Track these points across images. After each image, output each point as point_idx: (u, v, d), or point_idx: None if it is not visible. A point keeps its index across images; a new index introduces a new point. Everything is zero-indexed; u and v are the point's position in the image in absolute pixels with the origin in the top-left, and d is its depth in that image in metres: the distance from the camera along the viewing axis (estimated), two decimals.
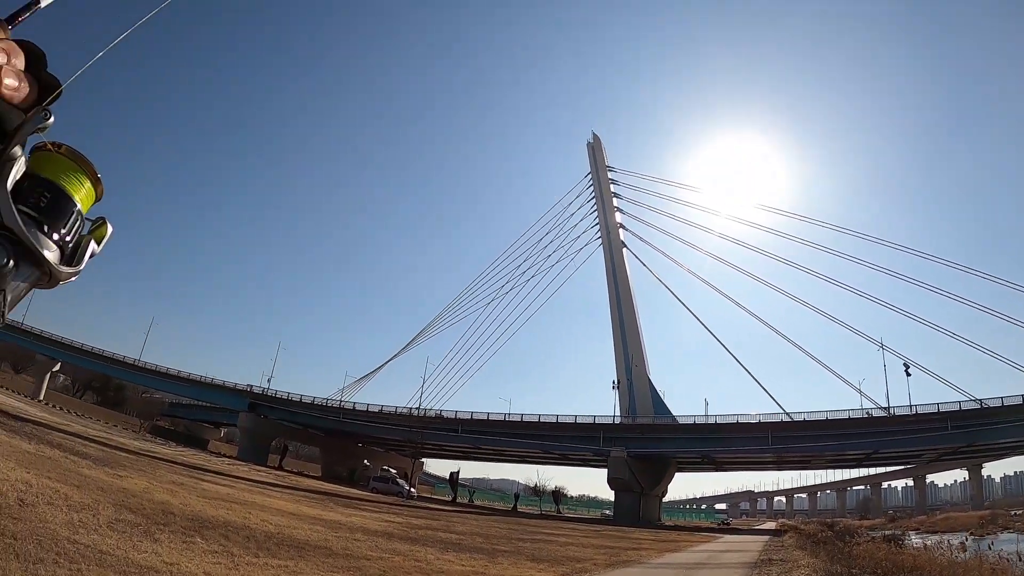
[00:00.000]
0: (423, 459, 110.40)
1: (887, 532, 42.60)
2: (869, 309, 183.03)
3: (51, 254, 1.09)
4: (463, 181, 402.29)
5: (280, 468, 73.08)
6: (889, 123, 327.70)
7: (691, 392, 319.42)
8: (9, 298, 1.04)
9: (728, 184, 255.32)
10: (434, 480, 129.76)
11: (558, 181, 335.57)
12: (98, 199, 1.19)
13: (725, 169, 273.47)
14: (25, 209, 1.06)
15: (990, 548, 21.18)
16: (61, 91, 1.11)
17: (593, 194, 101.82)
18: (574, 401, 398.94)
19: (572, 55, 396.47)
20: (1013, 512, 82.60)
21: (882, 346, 70.98)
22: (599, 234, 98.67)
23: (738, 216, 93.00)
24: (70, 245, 1.14)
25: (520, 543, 24.09)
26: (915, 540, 30.77)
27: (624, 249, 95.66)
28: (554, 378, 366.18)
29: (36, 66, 1.12)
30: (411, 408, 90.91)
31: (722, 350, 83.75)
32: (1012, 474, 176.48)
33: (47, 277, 1.11)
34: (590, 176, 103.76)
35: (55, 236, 1.10)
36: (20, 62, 1.09)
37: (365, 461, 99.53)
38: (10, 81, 1.05)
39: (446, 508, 52.69)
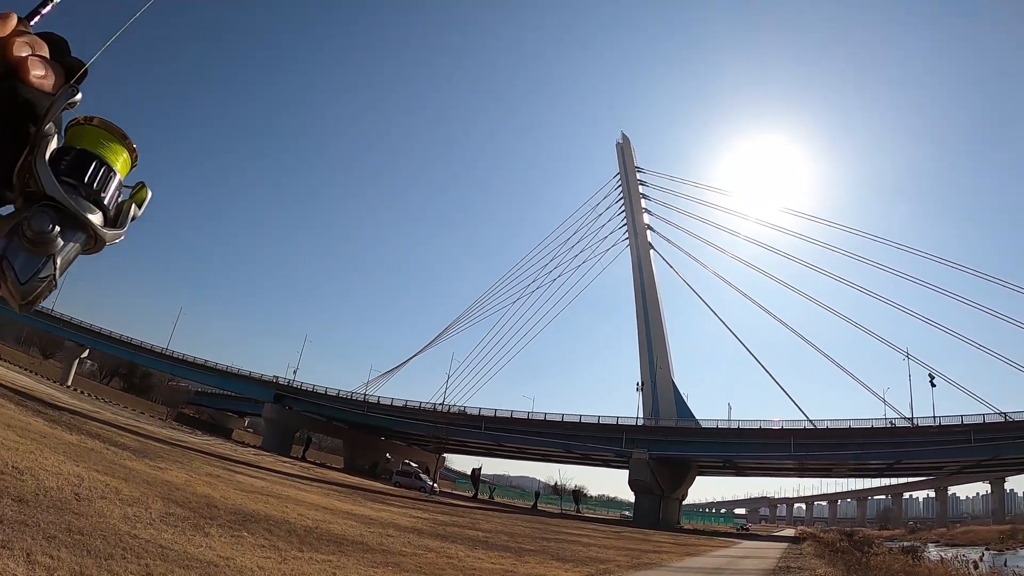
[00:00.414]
0: (445, 454, 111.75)
1: (906, 543, 42.61)
2: (896, 317, 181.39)
3: (95, 217, 1.12)
4: (492, 180, 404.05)
5: (304, 459, 74.02)
6: (919, 124, 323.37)
7: (714, 396, 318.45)
8: (59, 261, 1.08)
9: (755, 186, 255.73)
10: (454, 476, 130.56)
11: (586, 181, 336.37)
12: (134, 165, 1.24)
13: (752, 171, 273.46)
14: (66, 179, 1.10)
15: (1005, 564, 21.12)
16: (86, 70, 1.16)
17: (621, 194, 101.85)
18: (597, 402, 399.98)
19: (601, 54, 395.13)
20: None
21: (908, 355, 71.02)
22: (626, 235, 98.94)
23: (764, 220, 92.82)
24: (112, 209, 1.18)
25: (545, 542, 24.39)
26: (933, 552, 30.76)
27: (651, 250, 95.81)
28: (577, 378, 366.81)
29: (59, 53, 1.16)
30: (435, 404, 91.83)
31: (746, 354, 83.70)
32: None
33: (93, 240, 1.15)
34: (618, 176, 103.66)
35: (97, 201, 1.14)
36: (44, 51, 1.13)
37: (387, 455, 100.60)
38: (37, 71, 1.09)
39: (468, 504, 53.09)
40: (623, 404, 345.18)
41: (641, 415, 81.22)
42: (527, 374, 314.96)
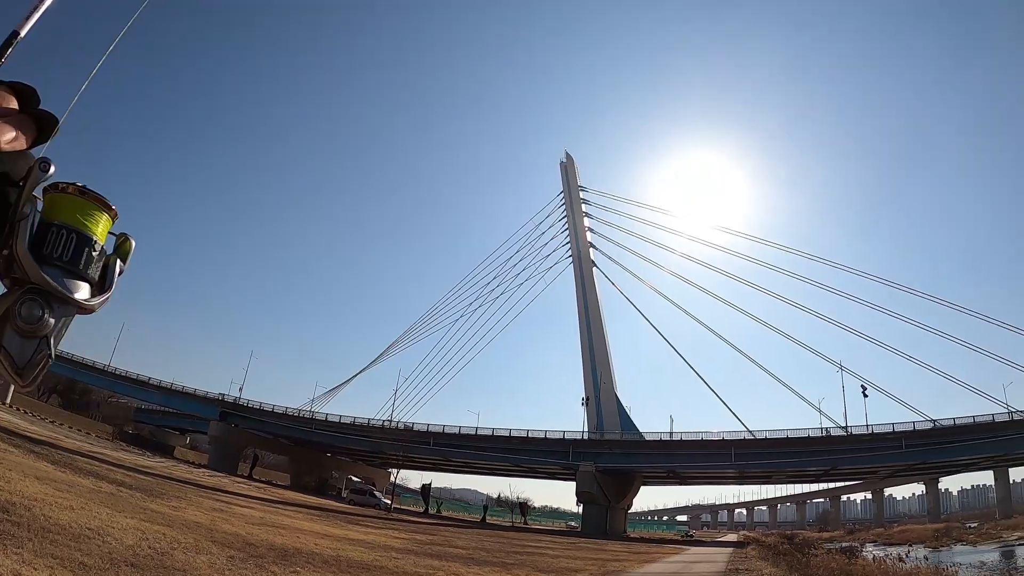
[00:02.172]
0: (394, 469, 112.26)
1: (844, 544, 45.24)
2: (830, 331, 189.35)
3: (82, 292, 1.20)
4: (435, 197, 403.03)
5: (251, 478, 74.04)
6: (853, 149, 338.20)
7: (657, 408, 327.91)
8: (53, 341, 1.17)
9: (695, 204, 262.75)
10: (400, 490, 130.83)
11: (531, 199, 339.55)
12: (113, 222, 1.30)
13: (693, 189, 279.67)
14: (50, 262, 1.15)
15: (926, 559, 23.64)
16: (58, 128, 1.19)
17: (565, 212, 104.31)
18: (542, 414, 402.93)
19: (546, 72, 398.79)
20: (968, 525, 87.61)
21: (841, 367, 74.78)
22: (570, 252, 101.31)
23: (705, 239, 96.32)
24: (97, 274, 1.25)
25: (518, 556, 26.30)
26: (871, 551, 33.52)
27: (594, 268, 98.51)
28: (523, 392, 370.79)
29: (29, 104, 1.18)
30: (383, 421, 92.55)
31: (688, 368, 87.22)
32: (969, 487, 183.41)
33: (82, 311, 1.23)
34: (562, 195, 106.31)
35: (82, 276, 1.21)
36: (13, 104, 1.16)
37: (333, 472, 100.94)
38: (7, 135, 1.10)
39: (425, 520, 54.54)
40: (569, 416, 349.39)
41: (586, 429, 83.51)
42: (472, 388, 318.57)
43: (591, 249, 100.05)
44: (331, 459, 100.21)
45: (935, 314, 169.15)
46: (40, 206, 1.14)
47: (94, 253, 1.21)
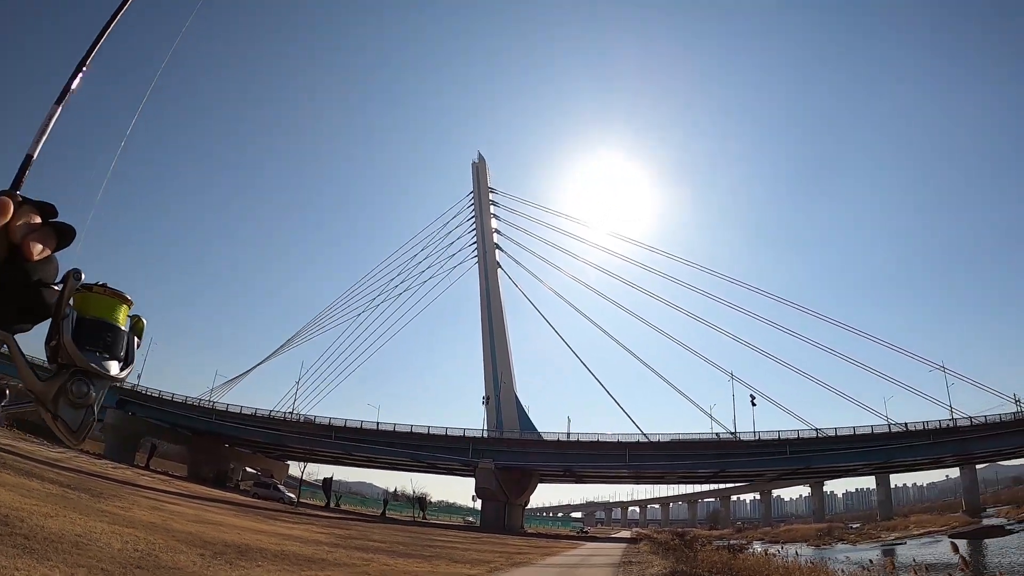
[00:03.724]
0: (288, 462, 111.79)
1: (732, 541, 47.38)
2: (723, 341, 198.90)
3: (114, 369, 1.45)
4: (342, 191, 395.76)
5: (148, 468, 73.00)
6: (752, 166, 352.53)
7: (555, 408, 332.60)
8: (96, 408, 1.43)
9: (602, 212, 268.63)
10: (294, 482, 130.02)
11: (439, 197, 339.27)
12: (130, 308, 1.55)
13: (601, 196, 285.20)
14: (89, 348, 1.40)
15: (797, 555, 26.37)
16: (75, 235, 1.42)
17: (473, 212, 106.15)
18: (442, 411, 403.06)
19: (459, 72, 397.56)
20: (851, 525, 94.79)
21: (732, 376, 79.84)
22: (476, 252, 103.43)
23: (608, 247, 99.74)
24: (123, 353, 1.50)
25: (432, 549, 28.87)
26: (758, 548, 36.16)
27: (499, 269, 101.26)
28: (423, 387, 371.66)
29: (48, 216, 1.38)
30: (284, 412, 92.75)
31: (587, 371, 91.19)
32: (853, 491, 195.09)
33: (114, 382, 1.49)
34: (471, 195, 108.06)
35: (114, 356, 1.46)
36: (37, 219, 1.35)
37: (232, 463, 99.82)
38: (38, 247, 1.32)
39: (329, 515, 55.75)
40: (468, 412, 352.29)
41: (486, 427, 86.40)
42: (374, 382, 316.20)
43: (497, 250, 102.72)
44: (230, 450, 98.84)
45: (824, 330, 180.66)
46: (72, 302, 1.44)
47: (120, 337, 1.50)
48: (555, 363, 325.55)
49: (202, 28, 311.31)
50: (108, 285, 1.51)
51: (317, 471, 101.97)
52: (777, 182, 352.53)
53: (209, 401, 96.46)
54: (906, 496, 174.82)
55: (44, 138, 1.63)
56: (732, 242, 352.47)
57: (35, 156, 1.58)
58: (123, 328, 1.51)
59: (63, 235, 1.39)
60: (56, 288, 1.42)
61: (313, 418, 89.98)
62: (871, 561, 20.10)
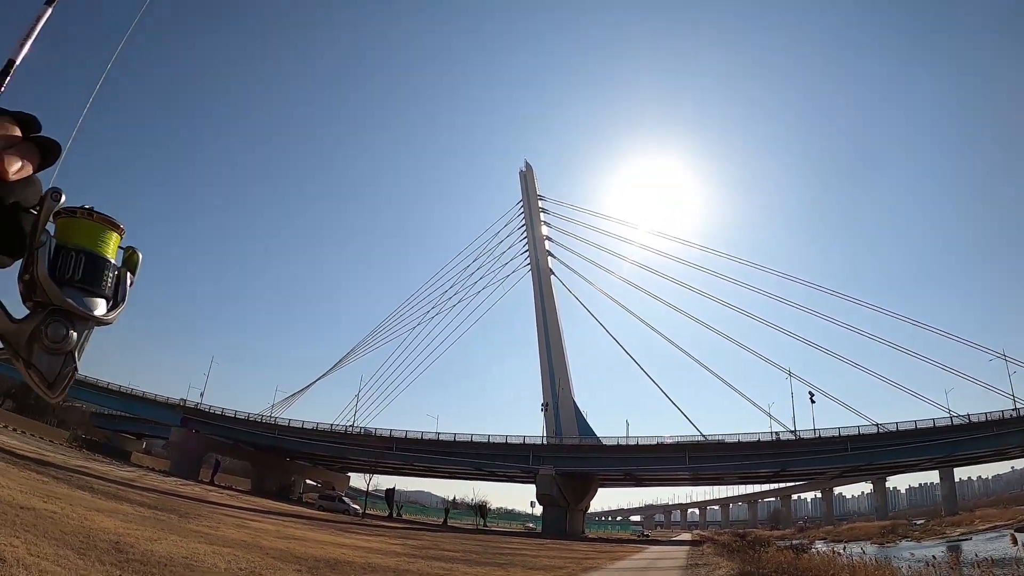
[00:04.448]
0: (349, 473, 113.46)
1: (795, 541, 46.78)
2: (780, 339, 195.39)
3: (100, 309, 1.28)
4: (394, 206, 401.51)
5: (213, 483, 74.88)
6: (803, 159, 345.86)
7: (614, 412, 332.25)
8: (77, 355, 1.27)
9: (653, 214, 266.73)
10: (355, 494, 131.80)
11: (490, 207, 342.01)
12: (122, 238, 1.36)
13: (649, 197, 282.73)
14: (69, 284, 1.23)
15: (863, 553, 25.83)
16: (60, 153, 1.24)
17: (523, 221, 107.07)
18: (501, 417, 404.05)
19: (506, 81, 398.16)
20: (915, 521, 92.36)
21: (790, 374, 78.96)
22: (528, 261, 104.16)
23: (660, 249, 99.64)
24: (111, 290, 1.31)
25: (503, 556, 28.94)
26: (821, 548, 35.68)
27: (552, 276, 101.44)
28: (482, 396, 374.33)
29: (29, 131, 1.21)
30: (345, 426, 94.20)
31: (644, 374, 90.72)
32: (917, 486, 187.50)
33: (101, 324, 1.31)
34: (521, 204, 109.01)
35: (99, 293, 1.28)
36: (16, 132, 1.18)
37: (294, 478, 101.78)
38: (14, 166, 1.13)
39: (394, 525, 56.69)
40: (527, 419, 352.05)
41: (546, 434, 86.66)
42: (432, 393, 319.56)
43: (549, 257, 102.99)
44: (291, 464, 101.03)
45: (880, 323, 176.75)
46: (53, 230, 1.26)
47: (107, 270, 1.31)
48: (612, 367, 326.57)
49: (229, 42, 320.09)
50: (95, 208, 1.33)
51: (377, 481, 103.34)
52: (821, 175, 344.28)
53: (271, 417, 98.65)
54: (971, 490, 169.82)
55: (30, 42, 1.44)
56: (781, 238, 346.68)
57: (18, 61, 1.40)
58: (112, 260, 1.33)
59: (47, 152, 1.22)
60: (35, 213, 1.25)
61: (374, 430, 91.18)
62: (934, 557, 19.76)
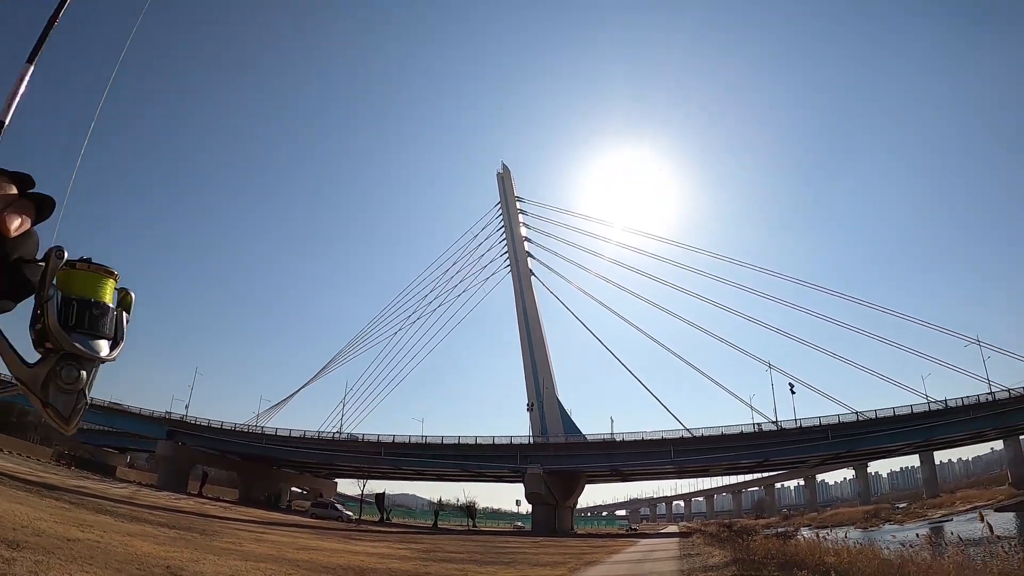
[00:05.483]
0: (336, 479, 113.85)
1: (780, 529, 47.65)
2: (758, 332, 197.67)
3: (104, 349, 1.40)
4: (369, 211, 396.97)
5: (201, 495, 75.01)
6: (774, 150, 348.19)
7: (598, 409, 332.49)
8: (87, 391, 1.39)
9: (632, 211, 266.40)
10: (341, 499, 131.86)
11: (467, 211, 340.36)
12: (117, 283, 1.48)
13: (629, 195, 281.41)
14: (76, 331, 1.35)
15: (846, 537, 27.03)
16: (55, 207, 1.33)
17: (502, 223, 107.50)
18: (487, 418, 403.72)
19: (477, 82, 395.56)
20: (897, 505, 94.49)
21: (770, 366, 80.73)
22: (508, 262, 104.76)
23: (637, 246, 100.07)
24: (112, 331, 1.43)
25: (504, 555, 29.90)
26: (806, 534, 36.94)
27: (532, 276, 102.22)
28: (466, 397, 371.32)
29: (24, 187, 1.28)
30: (333, 432, 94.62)
31: (626, 370, 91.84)
32: (898, 470, 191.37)
33: (105, 362, 1.42)
34: (499, 206, 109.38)
35: (102, 335, 1.40)
36: (13, 191, 1.26)
37: (281, 486, 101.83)
38: (14, 223, 1.23)
39: (389, 529, 57.03)
40: (514, 419, 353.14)
41: (532, 433, 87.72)
42: (417, 396, 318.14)
43: (528, 258, 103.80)
44: (278, 472, 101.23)
45: (857, 313, 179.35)
46: (55, 280, 1.36)
47: (107, 315, 1.43)
48: (595, 365, 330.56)
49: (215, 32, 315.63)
50: (92, 260, 1.48)
51: (367, 487, 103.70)
52: (795, 168, 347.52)
53: (258, 426, 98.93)
54: (952, 472, 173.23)
55: (16, 101, 1.55)
56: (757, 232, 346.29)
57: (7, 122, 1.51)
58: (111, 305, 1.48)
59: (42, 207, 1.34)
60: (39, 263, 1.38)
61: (361, 436, 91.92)
62: (917, 536, 21.19)
